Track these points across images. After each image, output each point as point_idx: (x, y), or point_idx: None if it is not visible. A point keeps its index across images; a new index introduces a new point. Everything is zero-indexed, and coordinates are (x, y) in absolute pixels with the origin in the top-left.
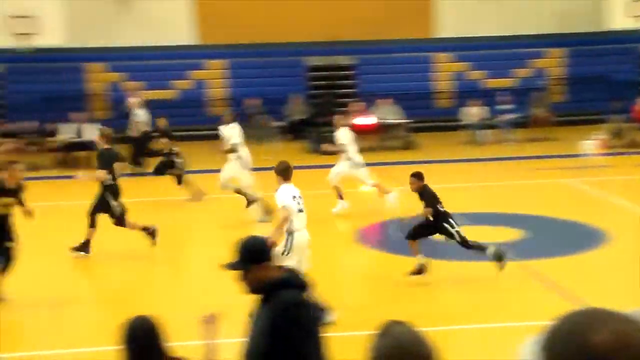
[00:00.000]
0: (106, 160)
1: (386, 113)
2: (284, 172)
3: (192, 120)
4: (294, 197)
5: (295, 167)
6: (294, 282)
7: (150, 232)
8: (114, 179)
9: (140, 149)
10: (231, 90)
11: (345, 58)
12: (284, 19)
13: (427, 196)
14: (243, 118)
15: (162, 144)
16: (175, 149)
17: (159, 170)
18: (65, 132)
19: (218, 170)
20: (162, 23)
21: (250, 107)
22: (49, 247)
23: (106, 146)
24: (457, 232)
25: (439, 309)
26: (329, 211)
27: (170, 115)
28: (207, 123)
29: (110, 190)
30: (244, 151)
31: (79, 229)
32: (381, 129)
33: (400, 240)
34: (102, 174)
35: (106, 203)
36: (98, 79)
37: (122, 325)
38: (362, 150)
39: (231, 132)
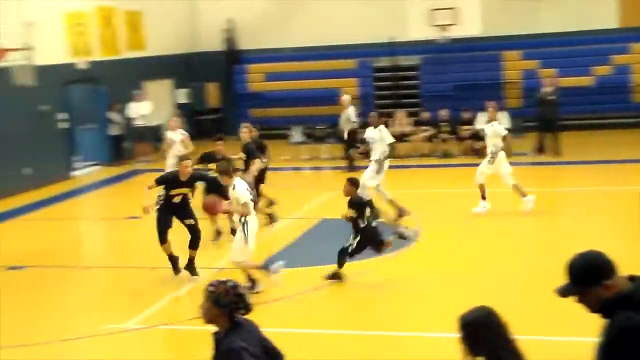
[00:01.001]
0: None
1: None
2: (228, 172)
3: (612, 108)
4: (248, 189)
5: None
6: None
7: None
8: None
9: (350, 144)
10: None
11: None
12: None
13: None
14: None
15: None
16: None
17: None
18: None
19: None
20: (581, 7)
21: None
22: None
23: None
24: (350, 245)
25: None
26: None
27: (587, 103)
28: (630, 110)
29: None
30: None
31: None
32: None
33: None
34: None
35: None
36: (513, 67)
37: (463, 316)
38: None
39: (378, 135)
